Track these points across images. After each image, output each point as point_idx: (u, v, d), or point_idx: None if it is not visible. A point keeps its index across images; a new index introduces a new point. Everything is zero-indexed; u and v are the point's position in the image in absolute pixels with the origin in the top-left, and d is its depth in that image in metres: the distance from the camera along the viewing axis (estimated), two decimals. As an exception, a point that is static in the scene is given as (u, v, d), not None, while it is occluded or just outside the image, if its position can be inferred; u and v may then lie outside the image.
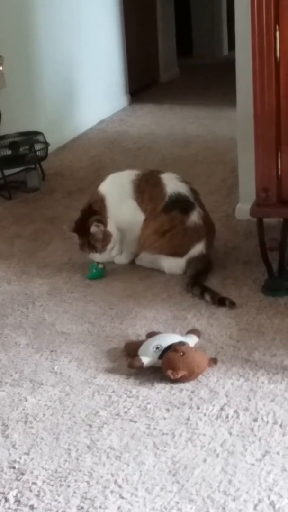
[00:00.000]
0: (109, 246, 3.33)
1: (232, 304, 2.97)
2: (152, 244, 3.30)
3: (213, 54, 9.69)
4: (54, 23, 5.61)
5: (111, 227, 3.32)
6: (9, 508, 1.98)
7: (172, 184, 3.31)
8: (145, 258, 3.37)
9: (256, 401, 2.36)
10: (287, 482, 1.99)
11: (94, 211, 3.33)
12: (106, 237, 3.31)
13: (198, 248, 3.28)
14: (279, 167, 2.97)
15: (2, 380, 2.58)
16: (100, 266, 3.34)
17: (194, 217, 3.28)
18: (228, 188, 4.36)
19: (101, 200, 3.34)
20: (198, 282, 3.13)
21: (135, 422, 2.30)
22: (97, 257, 3.33)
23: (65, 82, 5.86)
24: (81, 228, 3.33)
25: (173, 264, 3.29)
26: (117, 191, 3.35)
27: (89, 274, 3.33)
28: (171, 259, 3.29)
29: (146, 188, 3.32)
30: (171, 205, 3.27)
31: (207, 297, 3.02)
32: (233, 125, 4.25)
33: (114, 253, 3.41)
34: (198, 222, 3.28)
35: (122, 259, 3.43)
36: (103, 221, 3.30)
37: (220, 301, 2.98)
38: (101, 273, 3.34)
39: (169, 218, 3.27)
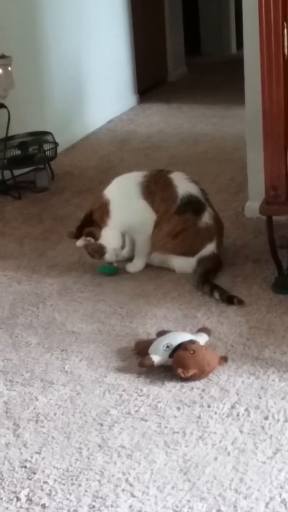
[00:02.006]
0: (108, 256, 3.31)
1: (241, 302, 2.97)
2: (165, 245, 3.30)
3: (221, 52, 9.69)
4: (62, 23, 5.62)
5: (111, 235, 3.29)
6: (21, 507, 1.98)
7: (183, 185, 3.30)
8: (156, 258, 3.37)
9: (267, 399, 2.36)
10: (298, 480, 2.00)
11: (92, 220, 3.32)
12: (99, 249, 3.29)
13: (209, 248, 3.27)
14: (288, 164, 2.97)
15: (13, 380, 2.58)
16: (114, 264, 3.35)
17: (206, 217, 3.28)
18: (237, 186, 4.36)
19: (105, 205, 3.31)
20: (208, 280, 3.13)
21: (146, 420, 2.30)
22: (106, 259, 3.34)
23: (74, 82, 5.87)
24: (80, 236, 3.35)
25: (184, 264, 3.29)
26: (123, 194, 3.32)
27: (100, 268, 3.34)
28: (182, 258, 3.29)
29: (157, 189, 3.30)
30: (183, 207, 3.26)
31: (216, 295, 3.02)
32: (242, 123, 4.25)
33: (125, 254, 3.44)
34: (210, 222, 3.29)
35: (136, 266, 3.38)
36: (94, 234, 3.29)
37: (229, 299, 2.98)
38: (114, 270, 3.34)
39: (182, 220, 3.26)
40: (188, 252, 3.28)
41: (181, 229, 3.27)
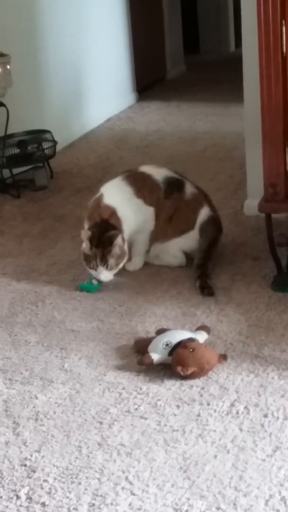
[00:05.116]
0: (121, 265, 3.22)
1: (211, 294, 3.02)
2: (165, 231, 3.33)
3: (220, 50, 9.67)
4: (61, 22, 5.61)
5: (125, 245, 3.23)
6: (20, 505, 1.98)
7: (156, 172, 3.39)
8: (155, 250, 3.36)
9: (266, 397, 2.36)
10: (298, 478, 2.00)
11: (114, 226, 3.20)
12: (123, 255, 3.19)
13: (204, 213, 3.35)
14: (287, 162, 2.97)
15: (12, 378, 2.58)
16: (94, 282, 3.18)
17: (188, 189, 3.37)
18: (236, 184, 4.36)
19: (114, 214, 3.25)
20: (202, 273, 3.16)
21: (146, 418, 2.30)
22: (103, 274, 3.16)
23: (73, 80, 5.86)
24: (97, 239, 3.15)
25: (188, 240, 3.32)
26: (124, 198, 3.31)
27: (83, 284, 3.21)
28: (184, 236, 3.33)
29: (141, 184, 3.34)
30: (168, 189, 3.34)
31: (197, 283, 3.09)
32: (241, 121, 4.24)
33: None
34: (194, 190, 3.38)
35: (136, 264, 3.37)
36: (124, 238, 3.19)
37: (201, 289, 3.05)
38: (96, 287, 3.19)
39: (172, 201, 3.33)
40: (187, 227, 3.33)
41: (174, 210, 3.33)
